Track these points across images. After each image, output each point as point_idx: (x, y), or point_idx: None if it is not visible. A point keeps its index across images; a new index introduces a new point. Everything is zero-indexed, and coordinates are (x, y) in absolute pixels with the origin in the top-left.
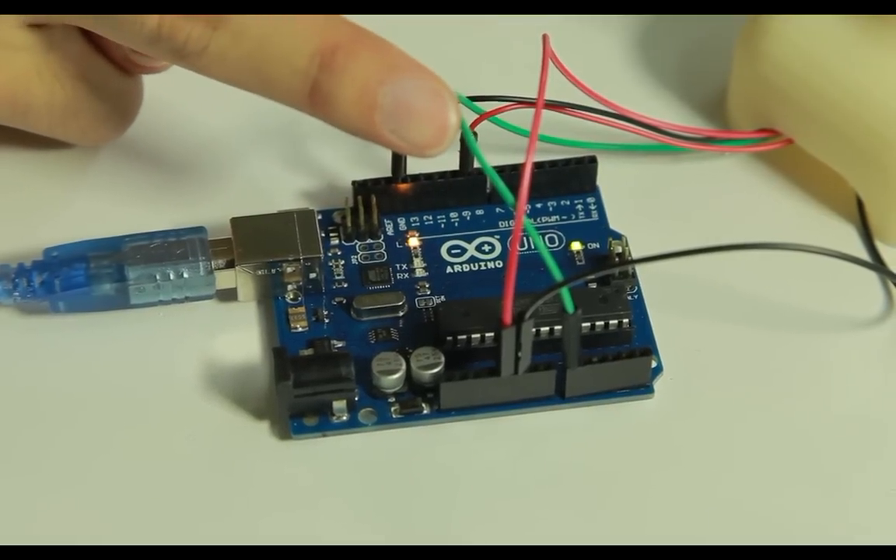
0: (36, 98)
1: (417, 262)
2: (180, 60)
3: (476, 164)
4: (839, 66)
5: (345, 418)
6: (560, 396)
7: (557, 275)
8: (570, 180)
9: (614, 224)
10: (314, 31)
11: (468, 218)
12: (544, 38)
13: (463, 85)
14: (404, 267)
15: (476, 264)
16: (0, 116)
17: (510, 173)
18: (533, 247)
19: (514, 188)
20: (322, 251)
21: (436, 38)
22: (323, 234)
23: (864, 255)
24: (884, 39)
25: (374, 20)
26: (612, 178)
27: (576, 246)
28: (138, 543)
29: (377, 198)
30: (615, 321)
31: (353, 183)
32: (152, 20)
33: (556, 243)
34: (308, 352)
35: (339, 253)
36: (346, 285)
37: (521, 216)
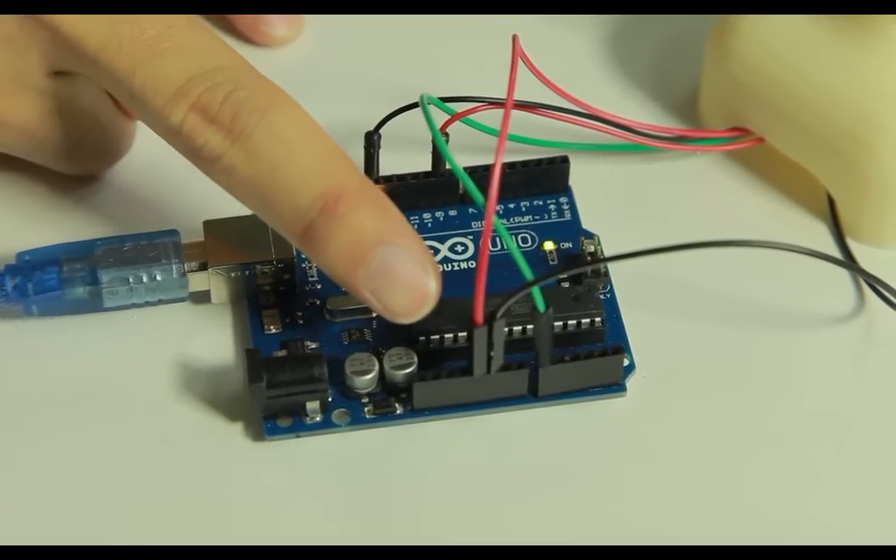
0: (49, 134)
1: None
2: (191, 158)
3: (448, 166)
4: (809, 66)
5: (318, 419)
6: (533, 395)
7: (528, 274)
8: (542, 180)
9: (587, 224)
10: (324, 174)
11: (441, 219)
12: (514, 38)
13: (435, 85)
14: None
15: (449, 265)
16: (14, 148)
17: (482, 174)
18: (505, 247)
19: (485, 189)
20: (295, 253)
21: (408, 38)
22: None
23: (835, 252)
24: (853, 38)
25: (346, 20)
26: (584, 177)
27: (548, 245)
28: (113, 543)
29: None
30: (587, 320)
31: None
32: (177, 116)
33: (529, 243)
34: (281, 353)
35: None
36: (319, 287)
37: (490, 216)
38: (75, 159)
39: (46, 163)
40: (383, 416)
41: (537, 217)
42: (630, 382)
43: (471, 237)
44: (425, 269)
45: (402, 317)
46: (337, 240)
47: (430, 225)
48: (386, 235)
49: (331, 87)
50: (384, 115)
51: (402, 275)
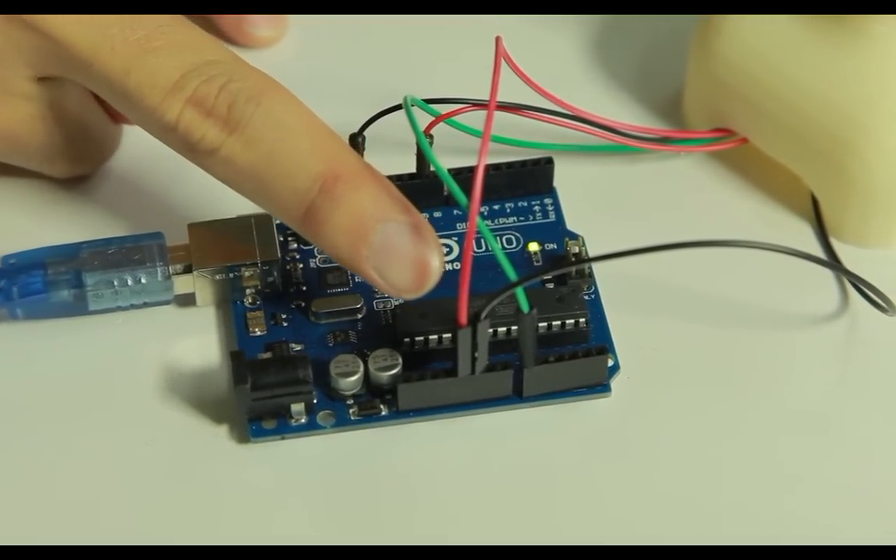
0: (34, 140)
1: None
2: (187, 153)
3: (432, 167)
4: (792, 66)
5: (303, 421)
6: (517, 396)
7: (512, 275)
8: (526, 181)
9: (571, 225)
10: (321, 156)
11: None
12: (497, 39)
13: (419, 87)
14: None
15: None
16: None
17: (466, 175)
18: (489, 248)
19: (469, 190)
20: (280, 255)
21: (392, 39)
22: (281, 238)
23: (819, 252)
24: (836, 39)
25: (330, 21)
26: (568, 178)
27: (533, 247)
28: (98, 544)
29: None
30: (572, 321)
31: None
32: (173, 112)
33: (514, 244)
34: (266, 355)
35: (297, 256)
36: (304, 288)
37: (474, 218)
38: (61, 163)
39: (32, 166)
40: (368, 417)
41: (522, 218)
42: (614, 383)
43: (455, 238)
44: (427, 243)
45: (406, 292)
46: (338, 220)
47: None
48: (386, 212)
49: (315, 88)
50: (368, 117)
51: (405, 250)
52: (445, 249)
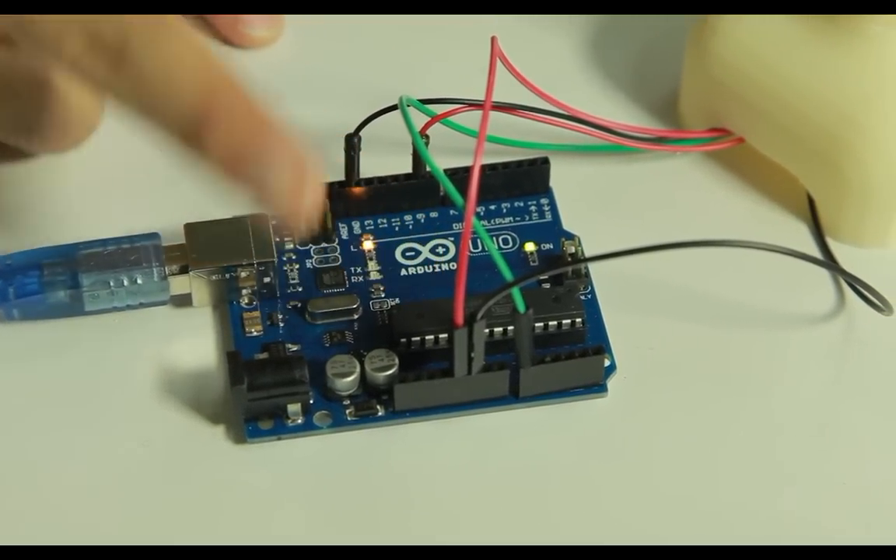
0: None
1: (372, 265)
2: (80, 80)
3: (428, 168)
4: (788, 66)
5: (300, 421)
6: (514, 396)
7: (508, 275)
8: (523, 181)
9: (567, 225)
10: (202, 85)
11: (422, 220)
12: (492, 39)
13: (415, 87)
14: (359, 270)
15: (430, 266)
16: None
17: (463, 176)
18: (485, 248)
19: (465, 191)
20: (276, 255)
21: (388, 39)
22: (277, 239)
23: (815, 252)
24: (832, 38)
25: (326, 22)
26: (565, 178)
27: (529, 247)
28: (94, 544)
29: (331, 202)
30: (568, 321)
31: None
32: (68, 46)
33: (510, 244)
34: (262, 356)
35: (293, 257)
36: (300, 289)
37: (470, 218)
38: (32, 136)
39: (3, 137)
40: (365, 417)
41: (518, 218)
42: (611, 383)
43: (452, 239)
44: (301, 151)
45: (289, 199)
46: (219, 142)
47: (411, 227)
48: (264, 128)
49: (311, 89)
50: (364, 118)
51: (284, 160)
52: (442, 250)
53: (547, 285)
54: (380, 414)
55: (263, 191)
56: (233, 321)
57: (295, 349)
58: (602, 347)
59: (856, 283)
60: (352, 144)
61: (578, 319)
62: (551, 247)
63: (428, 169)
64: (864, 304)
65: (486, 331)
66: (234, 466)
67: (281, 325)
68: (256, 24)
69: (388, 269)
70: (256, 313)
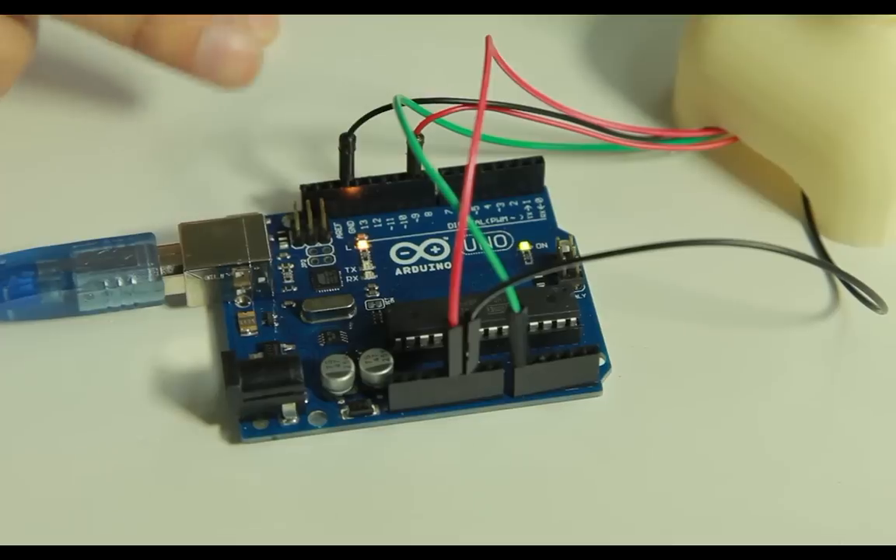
0: None
1: (366, 265)
2: None
3: (423, 167)
4: (782, 65)
5: (295, 421)
6: (509, 395)
7: (502, 274)
8: (517, 181)
9: (562, 224)
10: None
11: (417, 220)
12: (487, 39)
13: (409, 87)
14: (353, 270)
15: (425, 266)
16: None
17: (457, 175)
18: (479, 248)
19: (459, 190)
20: (271, 255)
21: (382, 39)
22: (272, 239)
23: (810, 250)
24: (825, 37)
25: (321, 22)
26: (559, 178)
27: (524, 246)
28: (89, 544)
29: (326, 202)
30: (563, 320)
31: (302, 187)
32: None
33: (505, 243)
34: (257, 355)
35: (288, 257)
36: (295, 289)
37: (464, 218)
38: None
39: None
40: (360, 417)
41: (513, 218)
42: (606, 382)
43: (447, 238)
44: (247, 37)
45: (237, 85)
46: (166, 36)
47: (406, 226)
48: (208, 19)
49: (306, 89)
50: (359, 117)
51: (230, 48)
52: (436, 249)
53: (542, 284)
54: (375, 413)
55: (213, 81)
56: (227, 321)
57: (290, 349)
58: (597, 346)
59: (850, 282)
60: (346, 144)
61: (573, 318)
62: (546, 246)
63: (422, 168)
64: (858, 303)
65: (481, 330)
66: (229, 466)
67: (276, 324)
68: (252, 26)
69: (383, 268)
70: (251, 313)
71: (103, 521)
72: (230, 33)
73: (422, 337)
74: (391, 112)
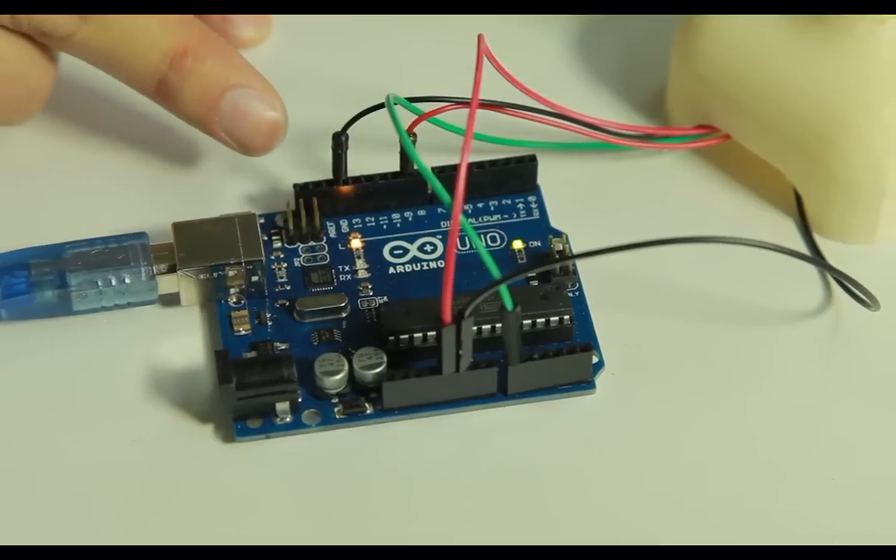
0: None
1: (360, 264)
2: (42, 38)
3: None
4: (774, 63)
5: (288, 420)
6: (502, 393)
7: (495, 272)
8: (510, 179)
9: (555, 222)
10: (167, 32)
11: (410, 219)
12: (479, 38)
13: (402, 85)
14: (347, 268)
15: (418, 264)
16: None
17: (450, 173)
18: (472, 246)
19: (452, 188)
20: (264, 254)
21: (375, 38)
22: (265, 238)
23: (802, 248)
24: (817, 36)
25: (313, 21)
26: (552, 176)
27: (517, 244)
28: (82, 544)
29: (319, 200)
30: (556, 318)
31: (295, 186)
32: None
33: (498, 242)
34: (251, 354)
35: (281, 256)
36: (288, 288)
37: (457, 216)
38: None
39: None
40: (353, 416)
41: (506, 216)
42: (599, 380)
43: (440, 237)
44: (272, 104)
45: (257, 151)
46: (188, 90)
47: (399, 225)
48: (233, 79)
49: (298, 88)
50: (351, 116)
51: (253, 112)
52: (429, 248)
53: (535, 283)
54: (368, 412)
55: (234, 146)
56: (221, 320)
57: (283, 348)
58: (590, 344)
59: (843, 279)
60: (339, 143)
61: (566, 316)
62: (539, 244)
63: (415, 167)
64: (851, 300)
65: (474, 328)
66: (222, 465)
67: (269, 323)
68: (244, 25)
69: (376, 267)
70: (244, 312)
71: (97, 521)
72: (253, 98)
73: (415, 335)
74: (384, 111)
